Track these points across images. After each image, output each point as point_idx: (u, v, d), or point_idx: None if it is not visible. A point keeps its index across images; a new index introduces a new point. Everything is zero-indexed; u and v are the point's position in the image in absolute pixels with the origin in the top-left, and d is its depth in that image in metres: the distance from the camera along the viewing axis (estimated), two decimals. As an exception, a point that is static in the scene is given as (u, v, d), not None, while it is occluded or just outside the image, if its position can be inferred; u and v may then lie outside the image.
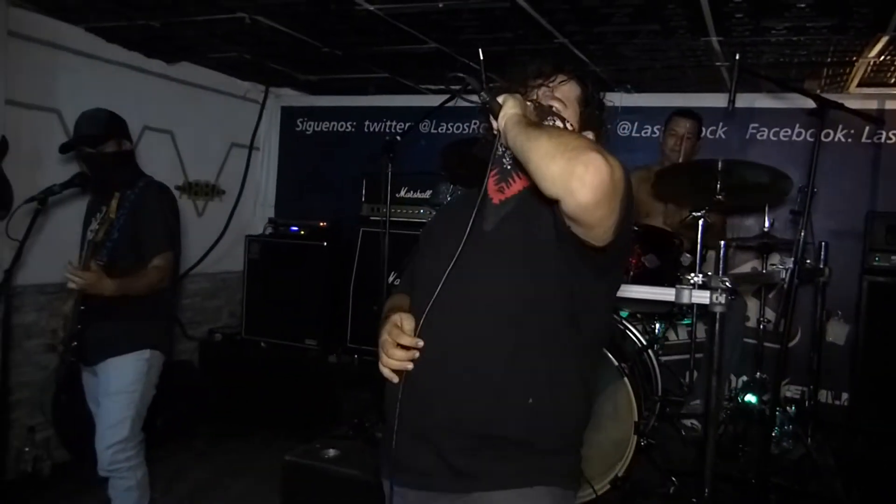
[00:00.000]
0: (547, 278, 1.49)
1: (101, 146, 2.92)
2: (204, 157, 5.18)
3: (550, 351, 1.51)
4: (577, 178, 1.23)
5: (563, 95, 1.63)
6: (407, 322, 1.54)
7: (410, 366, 1.51)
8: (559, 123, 1.59)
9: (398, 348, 1.51)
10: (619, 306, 3.50)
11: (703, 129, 4.55)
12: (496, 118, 1.45)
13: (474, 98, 1.47)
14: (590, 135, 1.66)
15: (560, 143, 1.28)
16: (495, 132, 1.48)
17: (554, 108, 1.61)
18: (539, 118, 1.55)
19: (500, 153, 1.57)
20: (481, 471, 1.49)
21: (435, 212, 1.85)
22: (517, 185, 1.61)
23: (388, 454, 1.53)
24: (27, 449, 3.84)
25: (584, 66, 4.13)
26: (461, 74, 1.45)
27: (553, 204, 1.35)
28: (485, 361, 1.50)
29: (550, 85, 1.62)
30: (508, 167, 1.60)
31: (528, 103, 1.55)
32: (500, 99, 1.46)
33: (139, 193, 2.94)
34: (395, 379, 1.53)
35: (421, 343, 1.51)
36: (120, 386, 2.87)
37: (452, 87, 1.52)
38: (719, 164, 3.11)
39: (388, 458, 1.55)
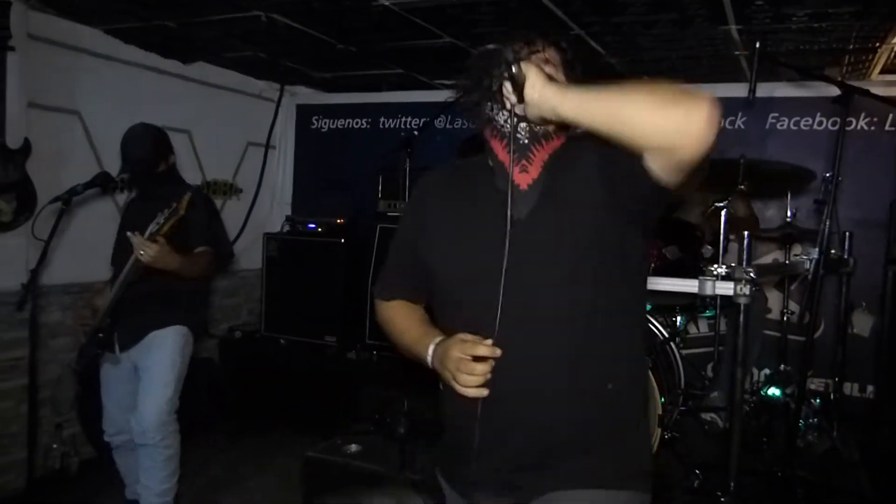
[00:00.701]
0: (599, 254, 1.45)
1: (154, 169, 3.10)
2: (221, 157, 5.20)
3: (618, 327, 1.49)
4: (706, 121, 1.22)
5: (553, 61, 1.56)
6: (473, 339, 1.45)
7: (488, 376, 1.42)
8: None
9: (476, 362, 1.42)
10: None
11: (722, 119, 4.52)
12: (520, 90, 1.34)
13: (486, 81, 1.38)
14: None
15: (663, 94, 1.25)
16: (507, 107, 1.40)
17: (549, 73, 1.49)
18: None
19: (512, 128, 1.47)
20: (573, 470, 1.46)
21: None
22: (539, 158, 1.52)
23: (461, 472, 1.52)
24: (55, 446, 3.89)
25: (599, 58, 4.11)
26: (493, 47, 1.37)
27: (616, 162, 1.34)
28: (559, 358, 1.45)
29: (541, 51, 1.53)
30: (525, 141, 1.50)
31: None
32: (522, 68, 1.34)
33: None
34: (485, 393, 1.43)
35: (499, 351, 1.41)
36: (162, 353, 3.06)
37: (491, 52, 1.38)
38: (741, 161, 3.08)
39: (459, 475, 1.55)
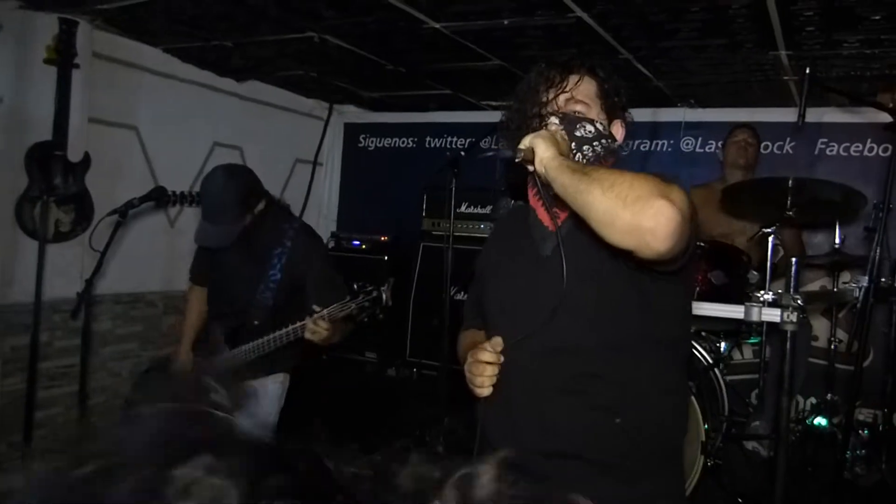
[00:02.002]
0: (616, 294, 1.49)
1: (240, 222, 2.73)
2: (270, 172, 5.28)
3: (635, 366, 1.50)
4: (649, 232, 1.20)
5: (584, 96, 1.57)
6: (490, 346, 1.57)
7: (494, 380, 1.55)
8: (589, 127, 1.54)
9: (484, 364, 1.55)
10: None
11: (769, 144, 4.49)
12: (532, 165, 1.43)
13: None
14: (617, 125, 1.63)
15: (618, 196, 1.23)
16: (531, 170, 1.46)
17: (579, 113, 1.55)
18: (568, 130, 1.52)
19: (539, 182, 1.51)
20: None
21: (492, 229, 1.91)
22: (563, 212, 1.56)
23: None
24: (101, 453, 3.98)
25: (648, 82, 4.11)
26: (491, 152, 1.51)
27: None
28: (570, 383, 1.50)
29: (568, 89, 1.56)
30: (550, 195, 1.51)
31: (554, 123, 1.52)
32: (525, 142, 1.42)
33: (293, 241, 2.86)
34: (489, 392, 1.56)
35: (501, 358, 1.54)
36: (262, 409, 2.92)
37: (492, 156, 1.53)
38: (790, 182, 3.05)
39: None
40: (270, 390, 2.99)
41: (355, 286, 2.57)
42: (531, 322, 1.50)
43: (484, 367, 1.54)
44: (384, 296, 2.55)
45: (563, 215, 1.55)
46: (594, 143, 1.54)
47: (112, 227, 3.05)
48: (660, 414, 1.52)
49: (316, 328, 2.54)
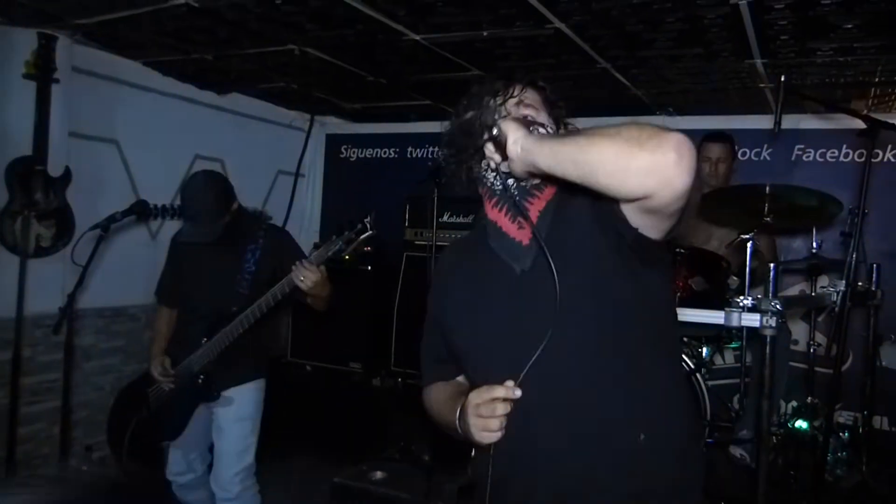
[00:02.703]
0: (607, 297, 1.40)
1: (219, 222, 2.87)
2: (252, 185, 5.28)
3: (642, 368, 1.42)
4: (675, 164, 1.15)
5: (531, 101, 1.55)
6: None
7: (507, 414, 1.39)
8: (542, 130, 1.48)
9: (496, 402, 1.38)
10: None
11: (747, 151, 4.54)
12: (503, 150, 1.35)
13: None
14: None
15: (627, 138, 1.18)
16: (492, 167, 1.41)
17: (530, 117, 1.52)
18: None
19: (501, 187, 1.48)
20: None
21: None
22: (534, 210, 1.49)
23: None
24: (85, 468, 3.95)
25: (626, 91, 4.16)
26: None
27: (604, 208, 1.31)
28: (582, 405, 1.40)
29: (515, 95, 1.54)
30: (517, 197, 1.46)
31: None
32: (496, 130, 1.37)
33: (265, 237, 3.04)
34: (498, 436, 1.40)
35: (519, 392, 1.36)
36: (245, 413, 2.99)
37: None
38: (767, 189, 3.09)
39: None
40: (253, 397, 3.04)
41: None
42: (527, 352, 1.35)
43: (495, 406, 1.37)
44: (368, 226, 2.66)
45: (533, 212, 1.48)
46: None
47: (94, 241, 3.04)
48: (679, 415, 1.47)
49: (304, 271, 2.64)
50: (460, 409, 1.46)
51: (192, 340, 2.94)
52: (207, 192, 2.88)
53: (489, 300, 1.50)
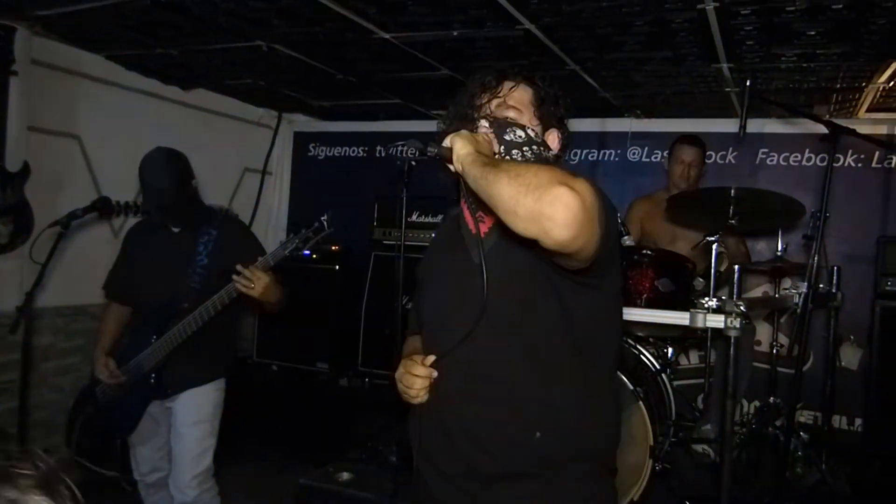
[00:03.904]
0: (538, 304, 1.50)
1: (181, 197, 2.85)
2: (218, 182, 5.23)
3: (557, 377, 1.51)
4: (548, 218, 1.19)
5: (517, 102, 1.60)
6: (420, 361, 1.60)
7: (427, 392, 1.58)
8: (519, 132, 1.55)
9: (415, 378, 1.58)
10: (633, 329, 3.51)
11: (713, 154, 4.61)
12: (451, 163, 1.43)
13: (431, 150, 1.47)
14: (553, 134, 1.65)
15: (521, 183, 1.23)
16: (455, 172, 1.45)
17: (509, 118, 1.57)
18: (497, 133, 1.54)
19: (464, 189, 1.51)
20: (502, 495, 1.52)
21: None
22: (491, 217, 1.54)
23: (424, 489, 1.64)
24: (42, 471, 3.85)
25: (595, 93, 4.19)
26: (401, 144, 1.50)
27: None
28: (493, 396, 1.52)
29: (501, 95, 1.59)
30: (470, 199, 1.53)
31: (484, 127, 1.56)
32: (446, 142, 1.44)
33: (219, 229, 2.96)
34: (425, 398, 1.58)
35: (435, 373, 1.57)
36: (203, 415, 2.91)
37: (401, 153, 1.52)
38: (732, 191, 3.13)
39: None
40: (211, 399, 2.96)
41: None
42: (459, 331, 1.49)
43: (414, 380, 1.57)
44: (325, 224, 2.63)
45: (489, 220, 1.56)
46: (524, 148, 1.55)
47: (53, 238, 2.97)
48: (579, 423, 1.53)
49: (247, 280, 2.59)
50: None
51: (142, 338, 2.88)
52: (168, 162, 2.85)
53: (447, 278, 1.65)
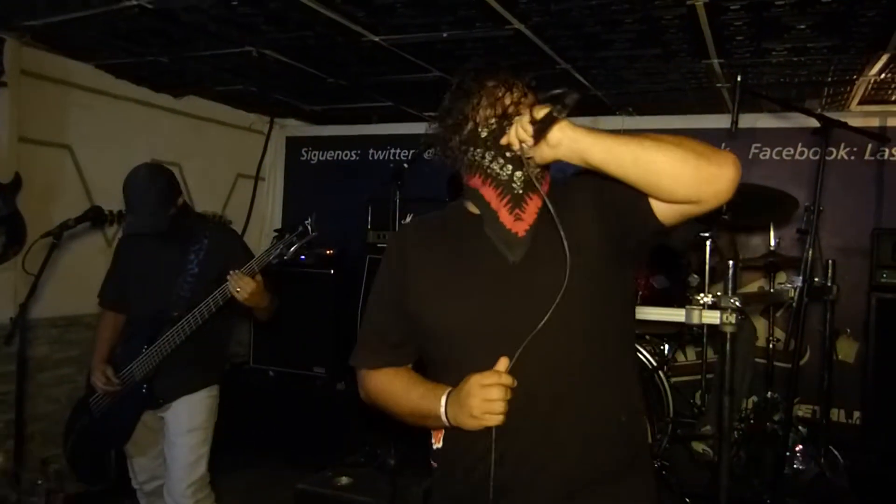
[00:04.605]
0: (598, 291, 1.47)
1: (165, 216, 2.80)
2: (211, 188, 5.23)
3: (618, 359, 1.54)
4: (731, 180, 1.32)
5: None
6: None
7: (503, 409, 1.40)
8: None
9: (498, 387, 1.39)
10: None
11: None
12: (545, 131, 1.36)
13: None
14: None
15: (695, 150, 1.31)
16: (515, 152, 1.42)
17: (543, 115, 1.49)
18: (539, 129, 1.43)
19: (508, 176, 1.48)
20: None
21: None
22: (533, 205, 1.49)
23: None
24: (40, 482, 3.83)
25: (587, 91, 4.18)
26: (559, 91, 1.39)
27: (616, 203, 1.40)
28: (572, 389, 1.45)
29: (527, 94, 1.53)
30: (520, 191, 1.48)
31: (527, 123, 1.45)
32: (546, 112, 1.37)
33: (210, 238, 2.95)
34: (501, 420, 1.39)
35: (514, 381, 1.39)
36: (195, 423, 2.90)
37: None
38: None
39: None
40: (204, 406, 2.95)
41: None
42: (516, 339, 1.37)
43: (494, 391, 1.38)
44: (310, 228, 2.64)
45: (532, 208, 1.49)
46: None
47: (47, 249, 2.96)
48: (639, 400, 1.59)
49: (238, 282, 2.61)
50: (447, 396, 1.46)
51: (134, 347, 2.87)
52: (151, 183, 2.79)
53: (474, 285, 1.49)
